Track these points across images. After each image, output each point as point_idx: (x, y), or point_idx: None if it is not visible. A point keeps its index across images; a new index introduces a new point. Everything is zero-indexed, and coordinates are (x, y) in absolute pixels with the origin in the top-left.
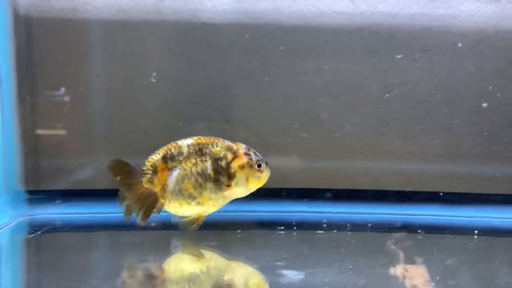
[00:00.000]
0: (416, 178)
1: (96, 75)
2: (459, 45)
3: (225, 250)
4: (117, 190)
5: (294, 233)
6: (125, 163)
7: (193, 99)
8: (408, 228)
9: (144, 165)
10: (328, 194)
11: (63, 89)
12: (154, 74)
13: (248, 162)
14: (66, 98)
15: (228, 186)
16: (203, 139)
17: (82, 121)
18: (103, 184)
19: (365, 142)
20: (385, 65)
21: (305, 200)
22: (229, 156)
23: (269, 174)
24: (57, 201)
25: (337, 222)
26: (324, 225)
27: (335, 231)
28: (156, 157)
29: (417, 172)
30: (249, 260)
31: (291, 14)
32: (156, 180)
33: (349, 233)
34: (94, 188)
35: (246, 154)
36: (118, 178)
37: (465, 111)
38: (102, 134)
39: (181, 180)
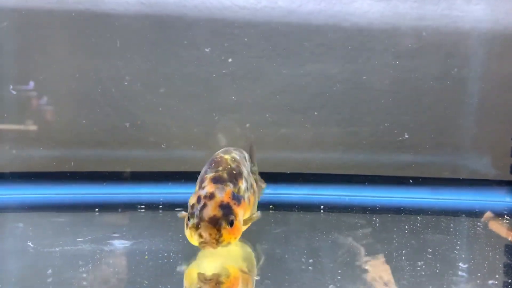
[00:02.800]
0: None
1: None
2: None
3: None
4: None
5: None
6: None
7: (95, 88)
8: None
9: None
10: None
11: None
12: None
13: (189, 204)
14: None
15: None
16: (228, 163)
17: None
18: None
19: (266, 132)
20: (284, 58)
21: None
22: (196, 187)
23: (191, 237)
24: None
25: None
26: None
27: None
28: None
29: (315, 159)
30: None
31: (194, 7)
32: None
33: None
34: None
35: (198, 199)
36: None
37: (360, 103)
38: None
39: None
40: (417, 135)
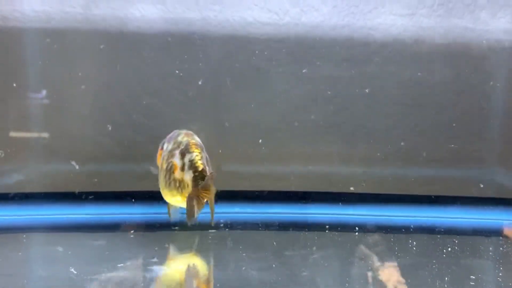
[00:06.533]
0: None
1: (14, 84)
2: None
3: None
4: None
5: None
6: None
7: (122, 105)
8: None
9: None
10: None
11: None
12: None
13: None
14: None
15: None
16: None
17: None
18: None
19: (292, 147)
20: (308, 73)
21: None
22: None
23: None
24: None
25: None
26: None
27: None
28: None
29: (341, 175)
30: None
31: (218, 23)
32: None
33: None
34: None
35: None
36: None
37: (385, 117)
38: (32, 141)
39: None
40: (442, 150)
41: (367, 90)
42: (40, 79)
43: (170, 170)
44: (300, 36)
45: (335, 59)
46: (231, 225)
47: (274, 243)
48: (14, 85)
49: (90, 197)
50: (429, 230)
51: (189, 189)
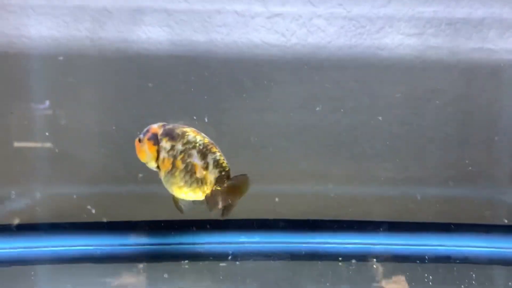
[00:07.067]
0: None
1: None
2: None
3: None
4: None
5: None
6: None
7: (128, 128)
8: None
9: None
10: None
11: None
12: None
13: None
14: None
15: None
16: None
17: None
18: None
19: (294, 167)
20: (315, 93)
21: None
22: None
23: None
24: None
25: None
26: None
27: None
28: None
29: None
30: None
31: (225, 45)
32: None
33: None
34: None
35: None
36: None
37: (392, 138)
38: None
39: None
40: (450, 171)
41: (374, 111)
42: (46, 103)
43: (191, 170)
44: (307, 57)
45: (342, 79)
46: (241, 257)
47: (285, 276)
48: (19, 108)
49: (98, 226)
50: (444, 259)
51: (210, 186)
